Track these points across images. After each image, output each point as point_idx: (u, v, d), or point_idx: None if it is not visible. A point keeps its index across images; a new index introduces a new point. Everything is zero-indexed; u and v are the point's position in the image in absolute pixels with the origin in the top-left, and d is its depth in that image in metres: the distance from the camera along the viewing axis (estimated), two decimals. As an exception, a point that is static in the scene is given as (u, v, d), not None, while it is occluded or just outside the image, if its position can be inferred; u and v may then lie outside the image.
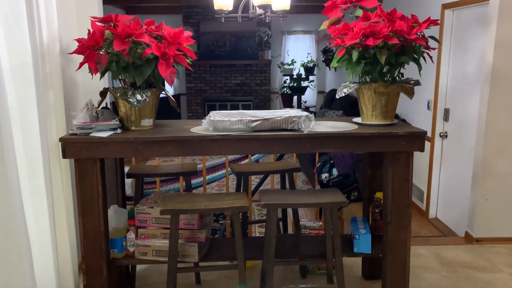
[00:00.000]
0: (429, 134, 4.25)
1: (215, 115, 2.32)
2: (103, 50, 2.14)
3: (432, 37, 2.31)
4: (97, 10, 2.71)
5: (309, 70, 9.03)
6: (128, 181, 4.08)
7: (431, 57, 2.33)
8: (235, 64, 9.10)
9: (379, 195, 2.62)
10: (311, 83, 9.17)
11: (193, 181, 4.47)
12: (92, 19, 2.18)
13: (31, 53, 2.03)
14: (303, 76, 8.94)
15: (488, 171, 3.42)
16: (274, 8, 2.26)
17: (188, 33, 2.27)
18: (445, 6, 3.99)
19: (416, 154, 2.32)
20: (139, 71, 2.13)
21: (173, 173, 2.90)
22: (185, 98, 9.27)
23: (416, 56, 2.28)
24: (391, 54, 2.19)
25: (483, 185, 3.44)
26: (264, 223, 3.58)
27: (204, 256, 2.44)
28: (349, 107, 5.85)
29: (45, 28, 2.21)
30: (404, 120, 4.87)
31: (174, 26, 2.24)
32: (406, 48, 2.24)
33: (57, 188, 2.30)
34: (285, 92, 9.04)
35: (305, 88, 8.89)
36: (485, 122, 3.35)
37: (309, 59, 9.22)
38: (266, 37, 8.95)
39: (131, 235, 2.43)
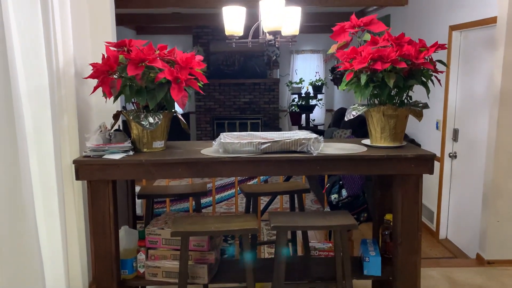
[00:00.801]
0: (438, 154, 4.24)
1: (225, 137, 2.36)
2: (116, 75, 2.19)
3: (440, 61, 2.34)
4: (111, 33, 2.79)
5: (317, 88, 9.09)
6: (138, 201, 4.11)
7: (439, 81, 2.35)
8: (244, 83, 9.19)
9: (388, 217, 2.61)
10: (320, 101, 9.22)
11: (202, 201, 4.50)
12: (107, 44, 2.24)
13: (48, 77, 2.10)
14: (312, 94, 9.00)
15: (499, 192, 3.40)
16: (283, 33, 2.31)
17: (199, 57, 2.32)
18: (453, 28, 4.03)
19: (426, 174, 2.32)
20: (151, 95, 2.18)
21: (184, 194, 2.93)
22: (194, 116, 9.35)
23: (424, 80, 2.31)
24: (399, 78, 2.22)
25: (494, 206, 3.42)
26: (273, 244, 3.57)
27: (213, 278, 2.44)
28: (357, 126, 5.86)
29: (61, 53, 2.28)
30: (413, 140, 4.87)
31: (185, 46, 2.31)
32: (414, 72, 2.27)
33: (70, 209, 2.34)
34: (294, 110, 9.09)
35: (313, 106, 8.94)
36: (494, 143, 3.35)
37: (317, 78, 9.29)
38: (275, 57, 9.06)
39: (141, 256, 2.44)
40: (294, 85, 9.20)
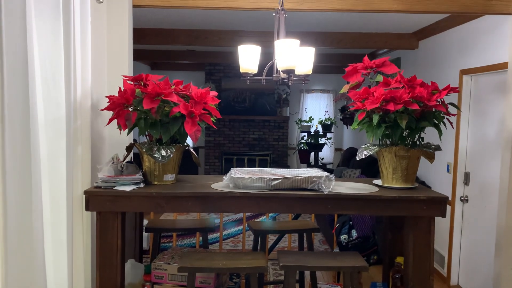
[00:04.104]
0: (449, 198, 4.19)
1: (236, 172, 2.36)
2: (132, 107, 2.23)
3: (453, 104, 2.35)
4: (128, 68, 2.85)
5: (326, 127, 9.13)
6: (145, 234, 4.08)
7: (451, 123, 2.36)
8: (253, 120, 9.28)
9: (399, 259, 2.56)
10: (329, 140, 9.23)
11: (209, 237, 4.44)
12: (124, 78, 2.30)
13: (65, 109, 2.14)
14: (321, 133, 9.03)
15: (512, 239, 3.31)
16: (297, 72, 2.35)
17: (213, 93, 2.36)
18: (463, 72, 4.08)
19: (437, 217, 2.29)
20: (165, 128, 2.20)
21: (191, 229, 2.90)
22: (203, 151, 9.40)
23: (436, 122, 2.32)
24: (412, 119, 2.23)
25: (507, 252, 3.32)
26: (280, 284, 3.49)
27: (218, 317, 2.38)
28: (367, 166, 5.84)
29: (80, 85, 2.34)
30: (423, 182, 4.83)
31: (197, 82, 2.35)
32: (426, 114, 2.28)
33: (78, 240, 2.33)
34: (303, 148, 9.10)
35: (322, 145, 8.94)
36: (507, 188, 3.29)
37: (327, 117, 9.36)
38: (285, 95, 9.18)
39: (146, 291, 2.40)
40: (304, 123, 9.25)
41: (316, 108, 9.54)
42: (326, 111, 9.47)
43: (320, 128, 9.14)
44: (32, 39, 1.89)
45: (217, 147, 9.36)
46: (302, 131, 9.25)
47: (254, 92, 9.09)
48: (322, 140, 9.00)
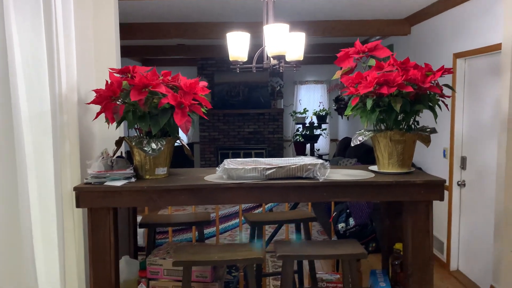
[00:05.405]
0: (446, 183, 4.16)
1: (229, 163, 2.31)
2: (120, 100, 2.18)
3: (447, 85, 2.31)
4: (115, 61, 2.79)
5: (321, 118, 9.09)
6: (140, 231, 4.03)
7: (446, 105, 2.32)
8: (248, 113, 9.22)
9: (398, 246, 2.53)
10: (324, 131, 9.20)
11: (206, 231, 4.40)
12: (111, 70, 2.24)
13: (50, 103, 2.08)
14: (316, 124, 8.99)
15: (511, 222, 3.29)
16: (287, 58, 2.30)
17: (203, 83, 2.31)
18: (457, 56, 4.04)
19: (434, 203, 2.25)
20: (155, 120, 2.15)
21: (186, 223, 2.86)
22: (198, 147, 9.34)
23: (431, 104, 2.28)
24: (406, 102, 2.19)
25: (507, 236, 3.30)
26: (279, 276, 3.46)
27: (217, 311, 2.34)
28: (363, 155, 5.80)
29: (64, 78, 2.27)
30: (420, 169, 4.80)
31: (189, 77, 2.30)
32: (421, 96, 2.24)
33: (69, 237, 2.27)
34: (298, 140, 9.06)
35: (317, 136, 8.91)
36: (504, 171, 3.27)
37: (321, 108, 9.31)
38: (279, 87, 9.11)
39: (142, 287, 2.36)
40: (298, 115, 9.21)
41: (310, 99, 9.49)
42: (320, 102, 9.43)
43: (315, 119, 9.10)
44: (11, 33, 1.83)
45: (212, 142, 9.31)
46: (297, 123, 9.20)
47: (248, 85, 9.03)
48: (317, 131, 8.97)
